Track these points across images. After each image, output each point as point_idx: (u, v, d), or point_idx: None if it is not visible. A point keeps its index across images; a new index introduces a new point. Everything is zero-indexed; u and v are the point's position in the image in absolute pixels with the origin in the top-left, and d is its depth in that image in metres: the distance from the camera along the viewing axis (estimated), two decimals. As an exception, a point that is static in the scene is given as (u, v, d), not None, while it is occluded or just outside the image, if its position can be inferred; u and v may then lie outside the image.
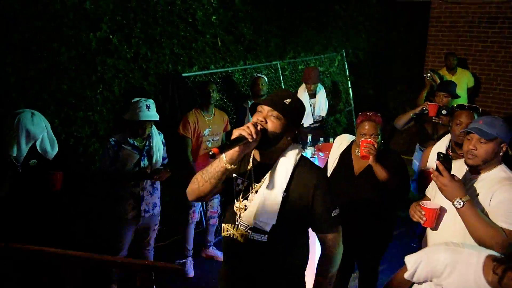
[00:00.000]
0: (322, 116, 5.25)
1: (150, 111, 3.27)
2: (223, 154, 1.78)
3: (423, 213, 2.20)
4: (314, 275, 2.04)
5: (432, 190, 2.43)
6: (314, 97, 5.17)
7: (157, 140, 3.47)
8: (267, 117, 1.85)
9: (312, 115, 5.13)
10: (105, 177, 3.33)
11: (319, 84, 5.21)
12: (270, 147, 1.88)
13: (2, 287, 2.64)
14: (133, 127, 3.29)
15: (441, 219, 2.22)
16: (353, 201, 2.95)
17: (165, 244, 4.53)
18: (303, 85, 5.17)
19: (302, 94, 5.12)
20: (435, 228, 2.24)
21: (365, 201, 2.98)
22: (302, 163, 1.94)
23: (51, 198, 3.17)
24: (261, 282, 2.00)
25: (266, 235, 1.90)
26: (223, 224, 2.04)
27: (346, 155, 3.13)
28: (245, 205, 1.94)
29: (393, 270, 2.14)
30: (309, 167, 1.95)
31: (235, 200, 1.99)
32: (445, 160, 2.03)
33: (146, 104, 3.26)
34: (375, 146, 2.83)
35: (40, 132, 2.82)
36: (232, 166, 1.81)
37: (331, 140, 4.16)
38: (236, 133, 1.76)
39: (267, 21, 5.84)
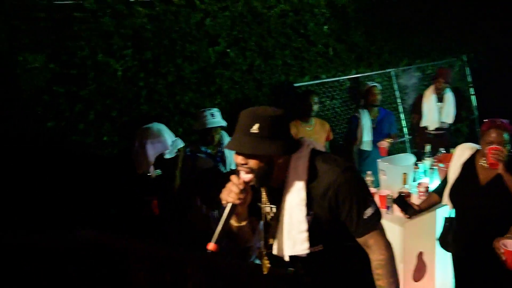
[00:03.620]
0: (449, 124, 4.91)
1: (215, 118, 3.42)
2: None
3: (502, 251, 1.93)
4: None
5: None
6: (442, 101, 4.86)
7: None
8: (244, 159, 1.59)
9: (438, 120, 4.83)
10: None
11: (447, 88, 4.90)
12: (267, 181, 1.67)
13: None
14: (203, 136, 3.45)
15: None
16: (481, 215, 2.69)
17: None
18: (431, 87, 4.91)
19: (429, 96, 4.86)
20: None
21: (494, 214, 2.70)
22: (315, 168, 1.66)
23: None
24: None
25: (299, 263, 1.76)
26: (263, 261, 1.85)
27: (469, 165, 2.88)
28: (272, 235, 1.77)
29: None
30: (325, 171, 1.65)
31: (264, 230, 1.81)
32: None
33: (211, 113, 3.43)
34: (504, 153, 2.56)
35: (167, 144, 3.04)
36: (245, 222, 1.71)
37: (451, 150, 3.87)
38: (223, 201, 1.60)
39: (380, 28, 5.67)
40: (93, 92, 3.54)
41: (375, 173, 3.56)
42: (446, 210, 2.99)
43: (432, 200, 3.00)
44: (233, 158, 1.66)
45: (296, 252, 1.67)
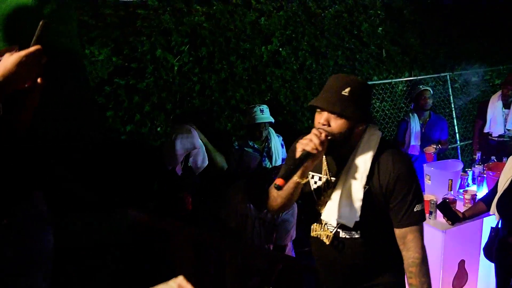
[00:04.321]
0: None
1: (264, 114, 3.51)
2: None
3: None
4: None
5: None
6: (509, 107, 4.70)
7: (276, 142, 3.68)
8: (328, 119, 1.61)
9: (503, 127, 4.68)
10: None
11: None
12: (341, 148, 1.68)
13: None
14: (252, 131, 3.56)
15: None
16: None
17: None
18: (498, 93, 4.76)
19: (496, 101, 4.72)
20: None
21: None
22: (383, 150, 1.71)
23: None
24: (358, 280, 1.85)
25: (359, 231, 1.75)
26: (312, 225, 1.87)
27: None
28: (326, 203, 1.77)
29: None
30: (391, 155, 1.71)
31: (316, 198, 1.81)
32: None
33: (260, 109, 3.52)
34: None
35: (196, 143, 3.17)
36: (305, 179, 1.68)
37: (504, 159, 3.75)
38: (299, 148, 1.59)
39: (437, 31, 5.54)
40: (151, 85, 3.77)
41: (421, 178, 3.53)
42: (493, 220, 2.93)
43: (479, 209, 2.94)
44: (315, 120, 1.65)
45: (348, 219, 1.69)
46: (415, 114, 4.40)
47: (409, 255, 1.70)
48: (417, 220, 1.70)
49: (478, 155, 3.79)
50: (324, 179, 1.78)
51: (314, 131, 1.59)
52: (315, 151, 1.56)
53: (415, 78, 5.34)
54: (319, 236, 1.83)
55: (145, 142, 3.75)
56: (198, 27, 3.96)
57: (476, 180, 3.54)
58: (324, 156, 1.75)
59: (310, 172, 1.80)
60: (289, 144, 3.89)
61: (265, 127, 3.60)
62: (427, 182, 3.38)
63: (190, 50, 3.93)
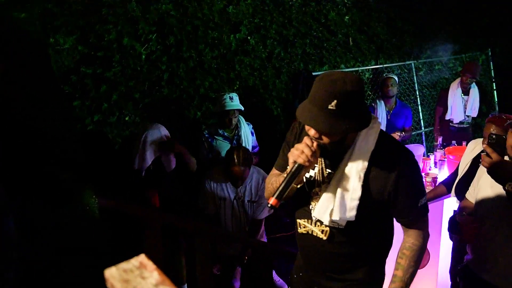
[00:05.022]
0: (472, 118, 4.93)
1: (233, 102, 3.55)
2: None
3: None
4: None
5: (473, 190, 2.20)
6: (468, 94, 4.87)
7: (245, 130, 3.74)
8: (319, 133, 1.52)
9: (464, 113, 4.86)
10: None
11: (473, 83, 4.90)
12: (337, 150, 1.63)
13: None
14: (222, 118, 3.59)
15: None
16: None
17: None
18: (457, 79, 4.91)
19: (456, 88, 4.88)
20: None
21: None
22: (382, 144, 1.63)
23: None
24: (338, 270, 1.80)
25: (344, 228, 1.69)
26: (297, 220, 1.81)
27: (478, 160, 2.94)
28: (318, 197, 1.69)
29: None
30: (391, 149, 1.64)
31: (308, 190, 1.73)
32: (497, 141, 1.77)
33: (229, 96, 3.55)
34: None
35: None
36: (301, 184, 1.64)
37: (464, 144, 3.92)
38: (291, 159, 1.53)
39: (403, 20, 5.68)
40: (118, 74, 3.73)
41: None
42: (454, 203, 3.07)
43: (439, 191, 3.07)
44: (306, 129, 1.57)
45: (343, 218, 1.62)
46: (382, 101, 4.52)
47: (409, 240, 1.74)
48: (422, 215, 1.71)
49: (439, 140, 3.94)
50: (318, 171, 1.70)
51: (306, 140, 1.53)
52: (307, 164, 1.51)
53: (381, 66, 5.47)
54: (310, 232, 1.76)
55: (113, 131, 3.72)
56: (166, 15, 3.94)
57: (438, 164, 3.69)
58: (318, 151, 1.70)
59: None
60: (259, 132, 3.94)
61: (235, 115, 3.63)
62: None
63: (157, 38, 3.90)
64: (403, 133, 4.35)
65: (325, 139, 1.52)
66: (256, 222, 3.24)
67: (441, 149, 3.79)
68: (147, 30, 3.84)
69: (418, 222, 1.72)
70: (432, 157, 3.79)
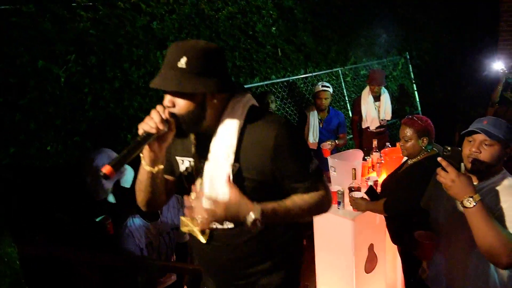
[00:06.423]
0: (387, 120, 5.12)
1: None
2: (142, 159, 1.44)
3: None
4: None
5: (426, 199, 2.23)
6: (379, 99, 5.04)
7: None
8: (172, 100, 1.40)
9: (378, 118, 5.01)
10: None
11: (383, 87, 5.09)
12: (197, 126, 1.45)
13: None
14: None
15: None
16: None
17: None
18: (367, 88, 5.07)
19: (367, 96, 5.02)
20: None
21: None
22: (253, 119, 1.47)
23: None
24: (240, 273, 1.62)
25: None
26: (181, 218, 1.62)
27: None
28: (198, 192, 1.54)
29: None
30: (264, 120, 1.47)
31: (186, 186, 1.60)
32: (453, 154, 1.73)
33: None
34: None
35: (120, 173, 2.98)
36: (159, 167, 1.46)
37: (397, 144, 4.03)
38: (140, 129, 1.38)
39: (327, 28, 5.81)
40: (34, 100, 3.40)
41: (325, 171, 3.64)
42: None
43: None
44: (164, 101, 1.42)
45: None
46: (315, 111, 4.54)
47: (311, 193, 1.52)
48: (318, 180, 1.53)
49: (375, 143, 4.00)
50: (192, 163, 1.55)
51: (157, 107, 1.38)
52: (154, 131, 1.34)
53: (310, 74, 5.54)
54: (191, 232, 1.59)
55: (34, 163, 3.37)
56: (84, 34, 3.66)
57: (376, 167, 3.75)
58: (193, 135, 1.55)
59: (178, 157, 1.60)
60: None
61: None
62: (332, 173, 3.49)
63: (77, 59, 3.62)
64: (335, 141, 4.38)
65: (179, 106, 1.38)
66: (181, 246, 3.07)
67: (377, 151, 3.85)
68: (64, 50, 3.55)
69: (317, 188, 1.52)
70: (369, 160, 3.84)
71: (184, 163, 1.58)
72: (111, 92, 3.84)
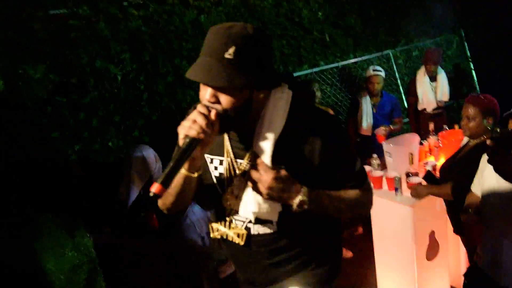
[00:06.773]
0: (445, 101, 4.91)
1: None
2: None
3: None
4: None
5: (477, 182, 2.10)
6: (435, 80, 4.84)
7: None
8: (215, 94, 1.21)
9: (435, 100, 4.82)
10: None
11: (439, 67, 4.87)
12: (239, 124, 1.29)
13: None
14: None
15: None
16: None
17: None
18: (422, 68, 4.88)
19: (422, 77, 4.84)
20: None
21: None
22: (297, 113, 1.33)
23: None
24: (279, 274, 1.52)
25: (275, 222, 1.38)
26: (210, 224, 1.51)
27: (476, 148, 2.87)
28: (236, 194, 1.38)
29: None
30: (309, 116, 1.36)
31: (220, 190, 1.43)
32: (502, 135, 1.61)
33: None
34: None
35: (150, 174, 2.88)
36: (198, 172, 1.31)
37: (456, 126, 3.87)
38: (180, 135, 1.20)
39: (375, 10, 5.65)
40: (95, 98, 3.57)
41: (380, 157, 3.55)
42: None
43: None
44: (200, 97, 1.25)
45: (270, 212, 1.35)
46: (367, 96, 4.43)
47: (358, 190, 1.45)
48: (363, 178, 1.46)
49: (431, 126, 3.86)
50: (227, 163, 1.38)
51: (199, 107, 1.19)
52: (201, 136, 1.16)
53: (360, 59, 5.42)
54: (225, 237, 1.47)
55: (98, 159, 3.55)
56: (137, 32, 3.79)
57: (434, 151, 3.62)
58: (226, 135, 1.38)
59: (208, 155, 1.43)
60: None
61: None
62: (388, 159, 3.41)
63: (131, 57, 3.75)
64: (390, 126, 4.25)
65: (225, 102, 1.20)
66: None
67: (434, 135, 3.72)
68: (119, 49, 3.69)
69: (361, 187, 1.45)
70: (426, 144, 3.72)
71: (214, 162, 1.42)
72: (165, 87, 3.95)
